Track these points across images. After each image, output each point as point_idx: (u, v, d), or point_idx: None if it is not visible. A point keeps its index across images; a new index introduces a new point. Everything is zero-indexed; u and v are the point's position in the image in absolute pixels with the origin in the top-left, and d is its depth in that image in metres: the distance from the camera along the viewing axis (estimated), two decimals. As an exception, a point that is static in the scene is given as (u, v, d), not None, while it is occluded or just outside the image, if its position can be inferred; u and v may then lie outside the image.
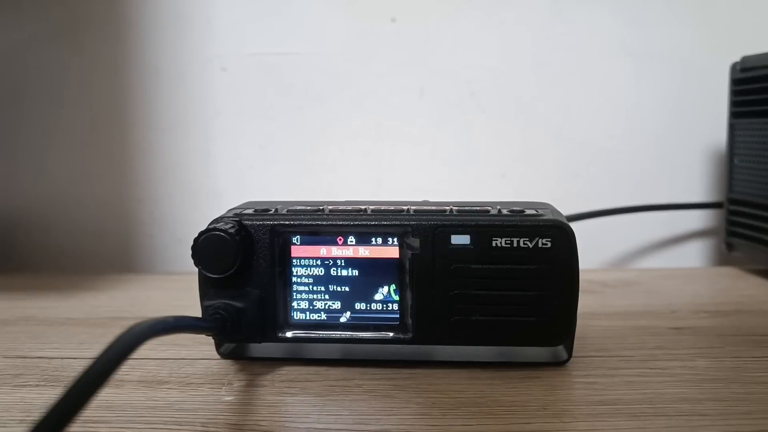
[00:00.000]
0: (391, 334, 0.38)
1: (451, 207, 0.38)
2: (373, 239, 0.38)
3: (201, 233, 0.36)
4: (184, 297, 0.46)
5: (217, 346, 0.40)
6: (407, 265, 0.37)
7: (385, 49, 0.69)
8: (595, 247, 0.70)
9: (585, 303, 0.39)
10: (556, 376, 0.37)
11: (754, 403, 0.33)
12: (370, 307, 0.38)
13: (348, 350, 0.39)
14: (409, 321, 0.37)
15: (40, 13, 0.70)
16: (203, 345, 0.41)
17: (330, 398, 0.34)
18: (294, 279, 0.38)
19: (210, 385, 0.36)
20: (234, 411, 0.33)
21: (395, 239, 0.38)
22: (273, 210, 0.39)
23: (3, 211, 0.72)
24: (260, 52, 0.69)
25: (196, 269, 0.37)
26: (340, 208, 0.39)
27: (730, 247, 0.64)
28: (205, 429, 0.31)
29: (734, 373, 0.37)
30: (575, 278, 0.36)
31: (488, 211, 0.38)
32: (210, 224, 0.37)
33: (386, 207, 0.39)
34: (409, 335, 0.38)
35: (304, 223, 0.38)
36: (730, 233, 0.63)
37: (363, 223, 0.38)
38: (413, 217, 0.37)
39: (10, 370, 0.38)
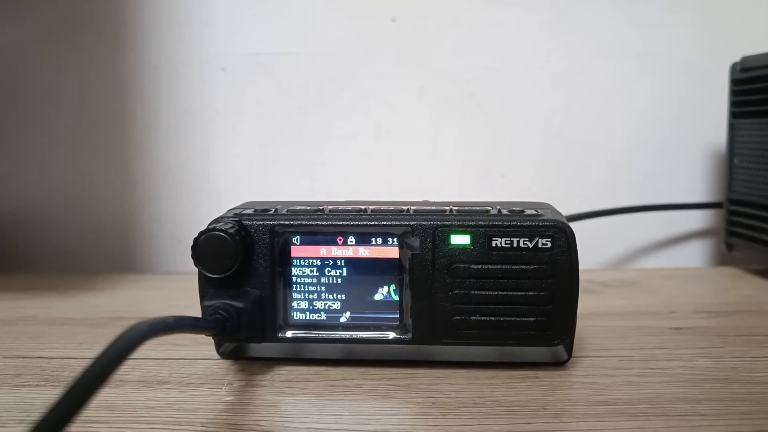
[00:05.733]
0: (391, 334, 0.38)
1: (451, 207, 0.38)
2: (373, 239, 0.38)
3: (201, 233, 0.36)
4: (184, 297, 0.46)
5: (217, 346, 0.40)
6: (407, 265, 0.37)
7: (385, 49, 0.69)
8: (595, 247, 0.70)
9: (585, 303, 0.39)
10: (556, 376, 0.37)
11: (754, 403, 0.33)
12: (370, 307, 0.38)
13: (348, 350, 0.38)
14: (409, 321, 0.37)
15: (39, 13, 0.70)
16: (203, 345, 0.41)
17: (330, 398, 0.34)
18: (294, 279, 0.38)
19: (210, 385, 0.36)
20: (234, 411, 0.33)
21: (395, 239, 0.38)
22: (273, 210, 0.39)
23: (2, 212, 0.72)
24: (260, 52, 0.69)
25: (196, 269, 0.37)
26: (340, 208, 0.39)
27: (730, 247, 0.64)
28: (205, 429, 0.31)
29: (734, 373, 0.37)
30: (575, 278, 0.36)
31: (488, 211, 0.38)
32: (210, 224, 0.37)
33: (386, 207, 0.39)
34: (409, 335, 0.38)
35: (304, 223, 0.38)
36: (730, 233, 0.63)
37: (363, 223, 0.38)
38: (413, 217, 0.37)
39: (10, 370, 0.38)
